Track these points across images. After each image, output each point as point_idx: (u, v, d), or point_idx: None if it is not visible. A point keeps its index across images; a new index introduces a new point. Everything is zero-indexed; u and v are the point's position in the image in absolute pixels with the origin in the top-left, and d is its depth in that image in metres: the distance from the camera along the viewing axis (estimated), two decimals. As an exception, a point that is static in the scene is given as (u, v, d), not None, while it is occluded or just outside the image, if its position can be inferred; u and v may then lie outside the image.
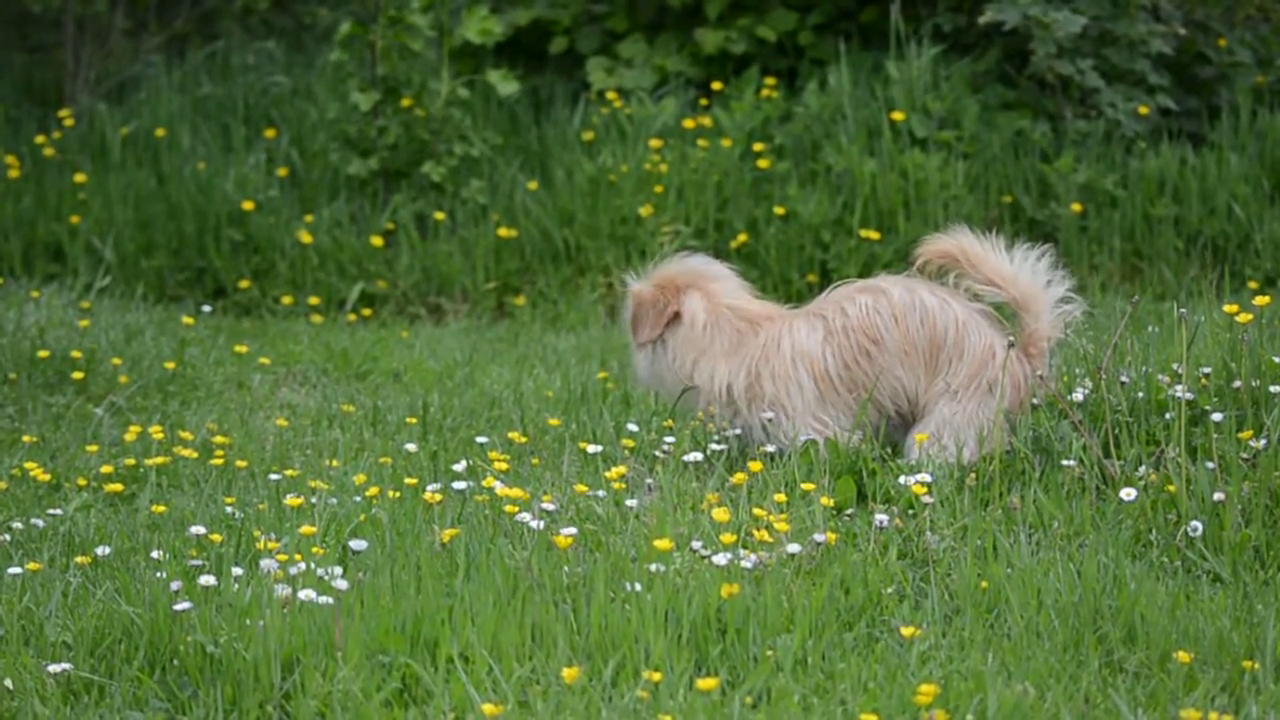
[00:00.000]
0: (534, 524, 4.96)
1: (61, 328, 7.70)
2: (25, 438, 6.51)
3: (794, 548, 4.81)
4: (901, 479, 5.31)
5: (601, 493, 5.31)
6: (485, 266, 9.35)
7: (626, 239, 9.30)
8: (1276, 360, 5.53)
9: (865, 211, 9.23)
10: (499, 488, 5.27)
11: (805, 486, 5.31)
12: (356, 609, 4.39)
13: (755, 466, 5.45)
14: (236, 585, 4.62)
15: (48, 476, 5.94)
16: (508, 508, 5.10)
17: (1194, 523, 4.93)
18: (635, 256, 9.20)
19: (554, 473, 5.74)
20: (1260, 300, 5.73)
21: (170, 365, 7.38)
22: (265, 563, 4.74)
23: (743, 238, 9.21)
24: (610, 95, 9.92)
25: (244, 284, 9.34)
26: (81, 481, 5.95)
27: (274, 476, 5.71)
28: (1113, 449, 5.43)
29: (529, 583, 4.53)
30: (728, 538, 4.84)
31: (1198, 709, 4.05)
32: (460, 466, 5.60)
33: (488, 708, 4.00)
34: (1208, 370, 5.59)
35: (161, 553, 5.00)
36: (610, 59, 10.25)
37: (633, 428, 6.04)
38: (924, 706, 4.01)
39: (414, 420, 6.59)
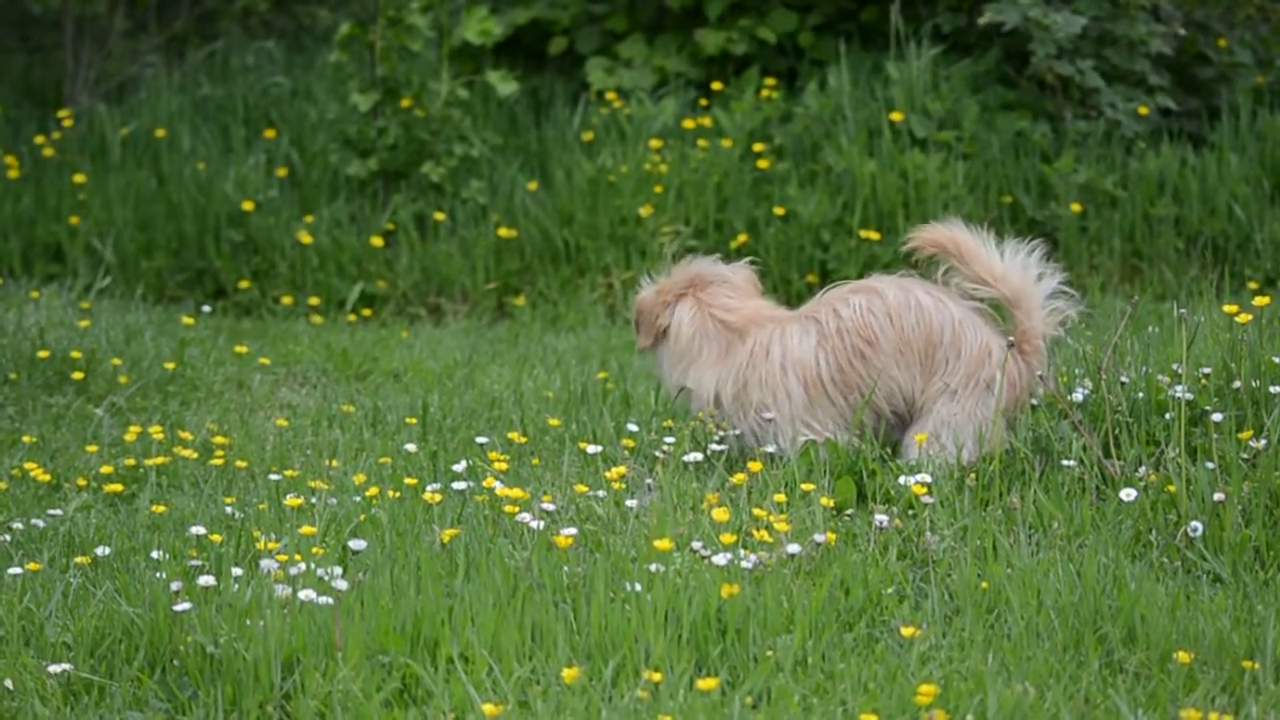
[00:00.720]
0: (534, 524, 4.96)
1: (61, 328, 7.70)
2: (25, 438, 6.51)
3: (794, 548, 4.81)
4: (901, 479, 5.31)
5: (601, 493, 5.31)
6: (485, 267, 9.35)
7: (626, 239, 9.30)
8: (1276, 360, 5.53)
9: (865, 212, 9.23)
10: (499, 488, 5.27)
11: (805, 487, 5.31)
12: (356, 609, 4.39)
13: (755, 467, 5.45)
14: (236, 585, 4.62)
15: (48, 477, 5.94)
16: (508, 508, 5.11)
17: (1194, 523, 4.93)
18: (635, 257, 9.20)
19: (554, 473, 5.74)
20: (1260, 301, 5.73)
21: (170, 366, 7.38)
22: (265, 563, 4.73)
23: (743, 238, 9.21)
24: (610, 96, 9.92)
25: (244, 284, 9.34)
26: (81, 482, 5.95)
27: (274, 477, 5.71)
28: (1113, 449, 5.43)
29: (529, 583, 4.53)
30: (728, 538, 4.84)
31: (1198, 709, 4.05)
32: (460, 467, 5.60)
33: (488, 708, 4.00)
34: (1208, 370, 5.59)
35: (161, 553, 5.01)
36: (610, 59, 10.25)
37: (633, 428, 6.05)
38: (924, 707, 4.01)
39: (414, 420, 6.59)
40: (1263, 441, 5.19)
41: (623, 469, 5.44)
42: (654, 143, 9.52)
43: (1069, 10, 9.38)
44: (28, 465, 6.05)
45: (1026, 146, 9.41)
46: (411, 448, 6.02)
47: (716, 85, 9.92)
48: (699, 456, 5.53)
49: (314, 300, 9.19)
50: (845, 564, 4.73)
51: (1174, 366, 5.59)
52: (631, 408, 6.54)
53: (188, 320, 8.32)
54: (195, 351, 7.76)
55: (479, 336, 8.77)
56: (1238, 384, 5.49)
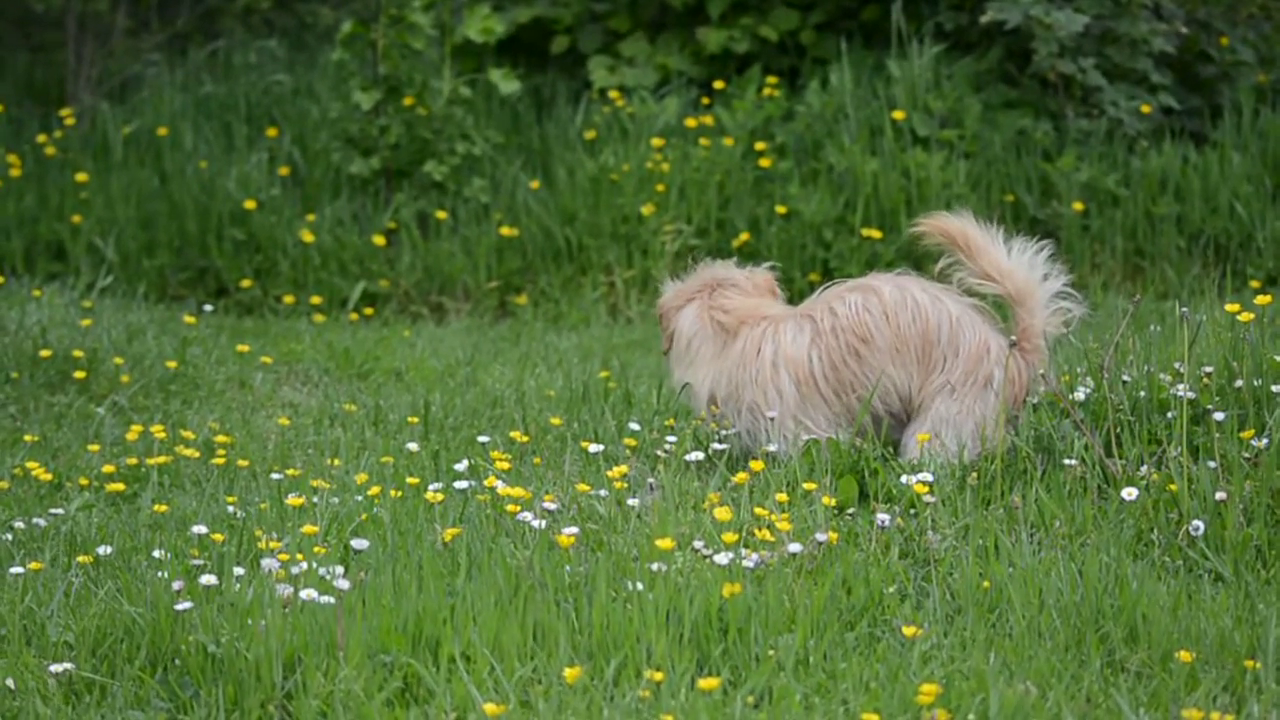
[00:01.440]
0: (536, 523, 4.96)
1: (63, 327, 7.71)
2: (27, 437, 6.51)
3: (796, 547, 4.81)
4: (903, 478, 5.31)
5: (603, 492, 5.31)
6: (487, 265, 9.35)
7: (628, 238, 9.31)
8: (1278, 359, 5.52)
9: (867, 210, 9.23)
10: (501, 487, 5.27)
11: (807, 486, 5.31)
12: (358, 608, 4.39)
13: (757, 466, 5.45)
14: (238, 585, 4.62)
15: (49, 476, 5.94)
16: (509, 507, 5.11)
17: (1196, 522, 4.93)
18: (637, 256, 9.20)
19: (556, 472, 5.74)
20: (1262, 299, 5.72)
21: (172, 364, 7.38)
22: (267, 562, 4.73)
23: (745, 237, 9.21)
24: (612, 94, 9.92)
25: (246, 283, 9.34)
26: (83, 481, 5.95)
27: (276, 476, 5.72)
28: (1114, 448, 5.43)
29: (531, 582, 4.53)
30: (729, 537, 4.84)
31: (1199, 708, 4.05)
32: (462, 466, 5.60)
33: (489, 707, 4.00)
34: (1209, 369, 5.59)
35: (163, 552, 5.01)
36: (612, 58, 10.25)
37: (635, 427, 6.05)
38: (926, 706, 4.01)
39: (416, 419, 6.59)
40: (1264, 440, 5.19)
41: (624, 468, 5.44)
42: (656, 141, 9.52)
43: (1071, 9, 9.38)
44: (29, 464, 6.05)
45: (1028, 145, 9.41)
46: (413, 447, 6.02)
47: (718, 84, 9.92)
48: (701, 455, 5.53)
49: (316, 299, 9.19)
50: (847, 563, 4.73)
51: (1176, 365, 5.59)
52: (633, 407, 6.54)
53: (190, 319, 8.32)
54: (197, 350, 7.76)
55: (481, 335, 8.77)
56: (1239, 383, 5.49)
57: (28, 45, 12.17)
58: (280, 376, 7.69)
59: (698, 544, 4.82)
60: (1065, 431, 5.47)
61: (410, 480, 5.52)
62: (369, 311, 9.24)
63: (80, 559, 5.03)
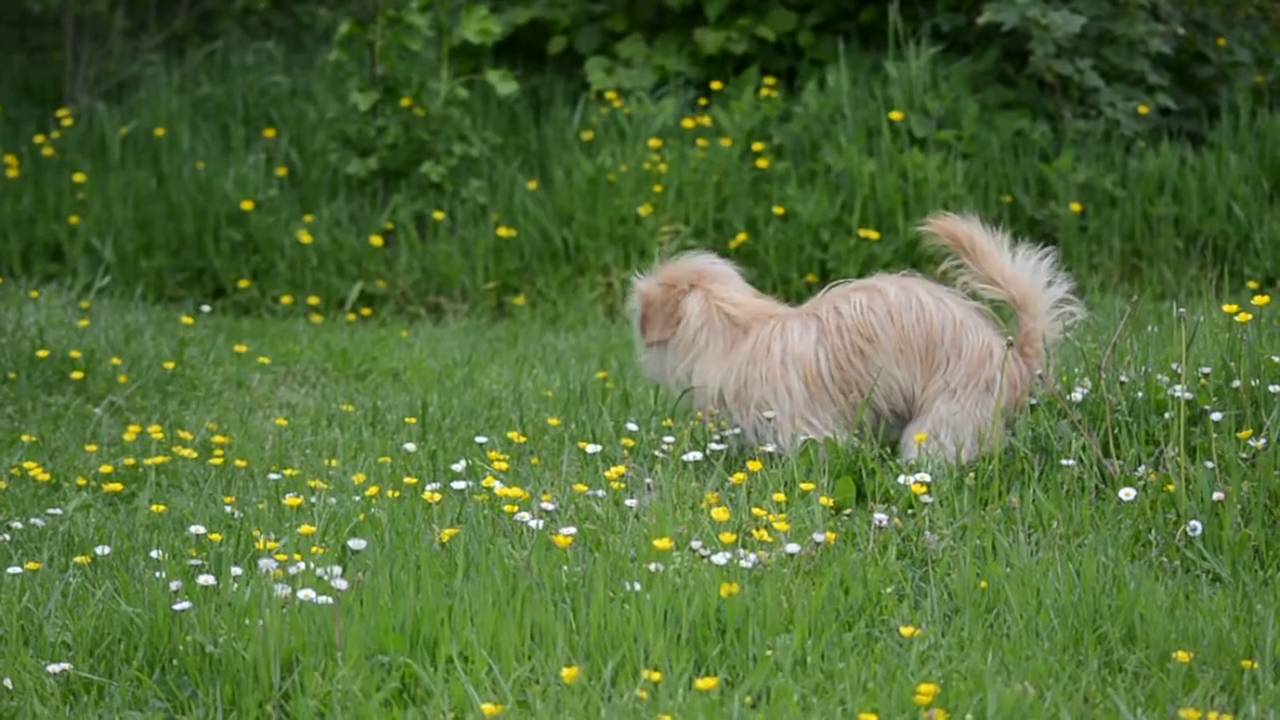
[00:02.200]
0: (533, 524, 4.96)
1: (61, 327, 7.70)
2: (25, 437, 6.51)
3: (793, 547, 4.81)
4: (901, 479, 5.31)
5: (601, 492, 5.31)
6: (484, 266, 9.35)
7: (626, 239, 9.30)
8: (1276, 360, 5.53)
9: (864, 211, 9.23)
10: (498, 487, 5.27)
11: (804, 486, 5.31)
12: (356, 609, 4.39)
13: (754, 466, 5.45)
14: (236, 585, 4.61)
15: (47, 476, 5.94)
16: (507, 507, 5.11)
17: (1193, 522, 4.93)
18: (635, 256, 9.20)
19: (553, 472, 5.74)
20: (1259, 300, 5.73)
21: (169, 365, 7.38)
22: (264, 562, 4.73)
23: (742, 237, 9.21)
24: (609, 95, 9.92)
25: (243, 284, 9.34)
26: (81, 481, 5.95)
27: (273, 476, 5.71)
28: (1112, 448, 5.43)
29: (528, 582, 4.53)
30: (727, 537, 4.84)
31: (1197, 709, 4.05)
32: (459, 466, 5.60)
33: (487, 708, 4.00)
34: (1207, 370, 5.59)
35: (161, 552, 5.00)
36: (610, 59, 10.25)
37: (632, 427, 6.04)
38: (923, 706, 4.01)
39: (413, 420, 6.59)
40: (1262, 441, 5.19)
41: (622, 468, 5.44)
42: (653, 142, 9.52)
43: (1068, 9, 9.38)
44: (27, 464, 6.05)
45: (1026, 146, 9.42)
46: (411, 447, 6.02)
47: (716, 85, 9.92)
48: (698, 456, 5.53)
49: (313, 299, 9.19)
50: (844, 563, 4.73)
51: (1173, 366, 5.59)
52: (631, 407, 6.54)
53: (187, 319, 8.32)
54: (194, 351, 7.76)
55: (478, 336, 8.77)
56: (1237, 383, 5.49)
57: (25, 46, 12.17)
58: (278, 377, 7.68)
59: (695, 544, 4.82)
60: (1063, 432, 5.47)
61: (408, 480, 5.52)
62: (366, 312, 9.23)
63: (78, 559, 5.03)
